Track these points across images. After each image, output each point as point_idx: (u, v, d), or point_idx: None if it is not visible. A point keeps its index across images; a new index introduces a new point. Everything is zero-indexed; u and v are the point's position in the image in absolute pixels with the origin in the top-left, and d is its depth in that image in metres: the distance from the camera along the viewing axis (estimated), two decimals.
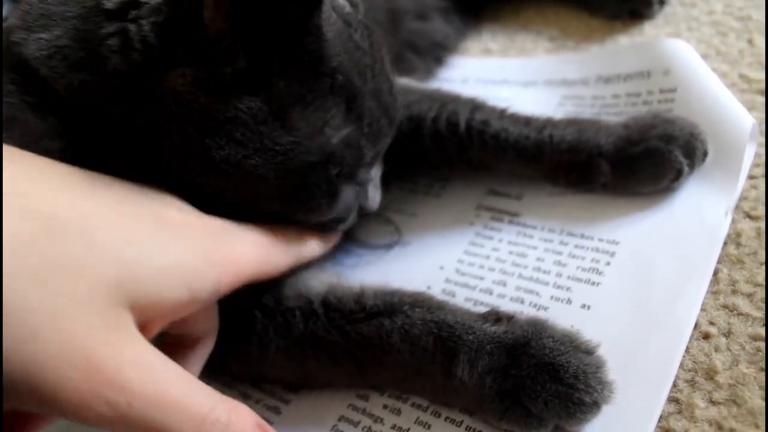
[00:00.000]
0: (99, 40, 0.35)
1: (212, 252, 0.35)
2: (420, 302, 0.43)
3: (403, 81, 0.57)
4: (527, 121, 0.53)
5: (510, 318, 0.41)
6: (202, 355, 0.42)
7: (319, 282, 0.47)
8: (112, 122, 0.37)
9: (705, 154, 0.49)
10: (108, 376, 0.28)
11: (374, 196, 0.48)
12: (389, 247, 0.55)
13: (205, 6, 0.34)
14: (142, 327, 0.31)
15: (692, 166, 0.48)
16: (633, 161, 0.49)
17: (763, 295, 0.43)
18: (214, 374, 0.50)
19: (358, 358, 0.43)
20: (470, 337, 0.40)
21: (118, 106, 0.36)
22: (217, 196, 0.39)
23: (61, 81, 0.36)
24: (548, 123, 0.52)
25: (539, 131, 0.51)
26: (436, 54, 0.75)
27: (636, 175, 0.49)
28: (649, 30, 0.71)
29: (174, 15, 0.35)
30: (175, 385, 0.30)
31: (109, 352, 0.28)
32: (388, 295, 0.44)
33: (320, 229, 0.46)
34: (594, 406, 0.37)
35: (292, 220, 0.43)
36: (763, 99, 0.57)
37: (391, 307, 0.43)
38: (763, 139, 0.53)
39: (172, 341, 0.40)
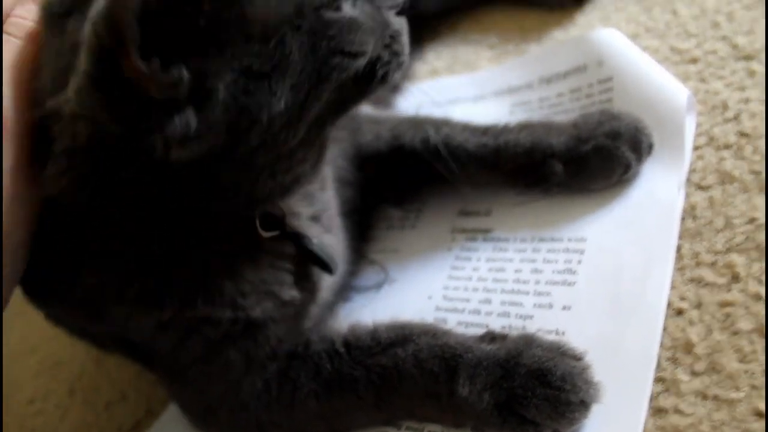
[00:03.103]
0: None
1: None
2: (426, 331, 0.47)
3: (380, 113, 0.65)
4: (485, 130, 0.57)
5: (504, 337, 0.45)
6: None
7: (338, 325, 0.52)
8: None
9: (650, 146, 0.52)
10: None
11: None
12: (378, 287, 0.58)
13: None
14: None
15: (639, 159, 0.52)
16: (583, 159, 0.52)
17: (726, 261, 0.46)
18: None
19: (378, 388, 0.47)
20: (469, 356, 0.44)
21: None
22: None
23: None
24: (504, 129, 0.57)
25: (496, 138, 0.56)
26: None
27: (587, 173, 0.53)
28: (580, 19, 0.74)
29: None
30: None
31: None
32: (399, 327, 0.48)
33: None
34: (581, 405, 0.40)
35: None
36: (695, 68, 0.60)
37: (403, 337, 0.47)
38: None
39: None
